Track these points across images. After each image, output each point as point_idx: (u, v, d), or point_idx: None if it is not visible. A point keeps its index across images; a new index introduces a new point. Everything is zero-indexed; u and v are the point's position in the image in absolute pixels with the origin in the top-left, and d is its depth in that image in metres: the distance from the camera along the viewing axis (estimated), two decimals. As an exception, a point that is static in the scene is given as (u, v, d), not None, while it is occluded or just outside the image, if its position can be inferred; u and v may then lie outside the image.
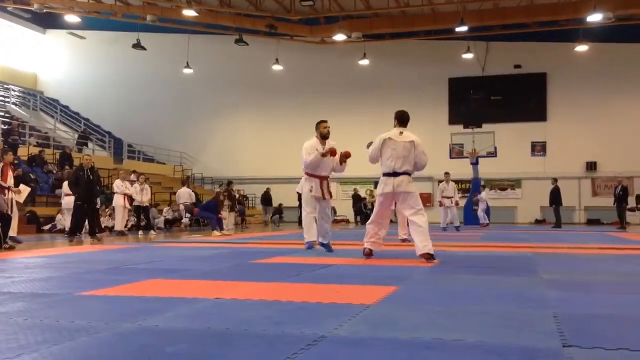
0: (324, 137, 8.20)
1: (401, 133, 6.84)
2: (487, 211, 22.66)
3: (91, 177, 12.07)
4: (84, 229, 12.97)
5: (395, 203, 8.92)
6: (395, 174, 6.73)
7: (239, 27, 26.66)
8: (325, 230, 8.19)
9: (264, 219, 26.37)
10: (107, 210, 16.62)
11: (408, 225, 8.89)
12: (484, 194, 21.87)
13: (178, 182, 26.20)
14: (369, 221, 7.16)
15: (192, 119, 31.48)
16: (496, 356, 2.46)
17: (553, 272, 5.71)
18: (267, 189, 26.09)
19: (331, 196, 8.42)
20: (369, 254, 7.01)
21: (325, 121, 8.36)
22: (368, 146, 7.43)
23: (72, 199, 14.48)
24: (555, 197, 20.26)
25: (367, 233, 7.09)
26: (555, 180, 20.71)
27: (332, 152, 7.98)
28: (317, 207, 8.22)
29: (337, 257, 7.29)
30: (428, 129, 28.09)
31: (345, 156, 8.08)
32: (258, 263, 6.71)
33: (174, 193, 23.24)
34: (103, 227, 16.04)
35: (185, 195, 18.95)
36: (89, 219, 12.49)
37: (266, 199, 26.13)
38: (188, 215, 19.41)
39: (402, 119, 6.97)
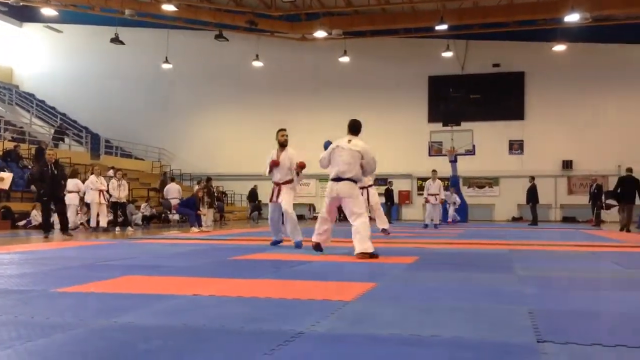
0: (281, 145, 8.50)
1: (350, 141, 7.10)
2: (464, 209, 22.91)
3: (55, 172, 11.84)
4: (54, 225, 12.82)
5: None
6: (339, 179, 6.99)
7: (219, 23, 26.52)
8: (289, 230, 8.36)
9: (248, 216, 26.30)
10: (85, 206, 16.43)
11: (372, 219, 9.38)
12: (454, 195, 22.16)
13: (156, 179, 26.01)
14: (319, 216, 7.47)
15: (171, 115, 31.27)
16: (472, 351, 2.48)
17: (529, 269, 5.77)
18: (255, 186, 25.92)
19: (285, 199, 8.39)
20: (317, 247, 7.30)
21: (284, 129, 8.64)
22: (325, 146, 7.63)
23: (73, 195, 14.44)
24: (532, 195, 20.48)
25: (316, 228, 7.41)
26: (532, 178, 20.95)
27: (275, 163, 8.39)
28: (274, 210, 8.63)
29: (315, 254, 7.29)
30: (407, 127, 28.36)
31: (300, 166, 8.34)
32: (236, 260, 6.69)
33: (152, 189, 23.10)
34: (80, 223, 15.89)
35: (174, 191, 18.79)
36: (58, 214, 12.30)
37: (252, 195, 26.02)
38: (167, 211, 19.29)
39: (352, 128, 7.27)
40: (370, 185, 11.52)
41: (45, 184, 11.68)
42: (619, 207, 16.54)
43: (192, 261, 6.48)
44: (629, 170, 16.35)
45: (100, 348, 2.56)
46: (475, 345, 2.59)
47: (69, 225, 13.45)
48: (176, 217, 19.54)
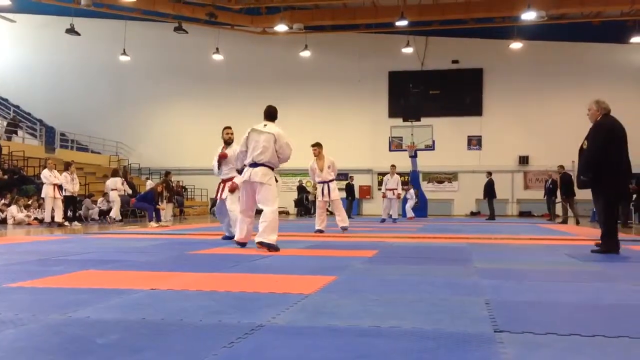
0: (226, 143, 8.61)
1: (265, 125, 7.17)
2: (424, 204, 23.17)
3: None
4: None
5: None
6: (254, 164, 7.02)
7: (178, 15, 26.12)
8: (232, 226, 8.30)
9: (209, 210, 26.11)
10: (38, 201, 16.04)
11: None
12: (412, 191, 22.36)
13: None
14: (238, 217, 7.44)
15: (128, 108, 30.72)
16: (431, 341, 2.51)
17: (486, 261, 5.88)
18: None
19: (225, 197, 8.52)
20: (241, 245, 7.27)
21: (229, 127, 8.72)
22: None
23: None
24: (489, 190, 20.84)
25: (238, 227, 7.36)
26: (489, 173, 21.32)
27: (223, 155, 8.50)
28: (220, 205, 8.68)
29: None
30: (368, 122, 28.52)
31: (221, 156, 8.48)
32: (196, 254, 6.62)
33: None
34: (33, 218, 15.52)
35: (115, 182, 18.36)
36: None
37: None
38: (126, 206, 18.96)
39: (267, 114, 7.31)
40: (331, 180, 11.44)
41: None
42: (563, 201, 17.38)
43: (151, 256, 6.39)
44: (562, 167, 17.96)
45: (55, 343, 2.49)
46: (435, 335, 2.62)
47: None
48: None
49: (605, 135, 6.57)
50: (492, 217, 20.64)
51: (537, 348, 2.43)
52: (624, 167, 6.61)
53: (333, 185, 11.40)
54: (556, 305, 3.47)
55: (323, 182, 11.39)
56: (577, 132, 27.03)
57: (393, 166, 18.05)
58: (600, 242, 6.80)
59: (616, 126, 6.66)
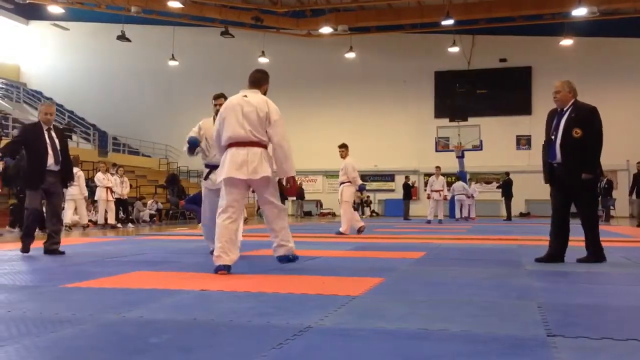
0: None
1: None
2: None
3: None
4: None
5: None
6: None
7: (225, 20, 26.52)
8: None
9: (255, 212, 26.34)
10: (93, 203, 16.50)
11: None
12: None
13: (164, 175, 26.06)
14: None
15: (177, 112, 31.26)
16: (481, 345, 2.47)
17: (537, 263, 5.75)
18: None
19: None
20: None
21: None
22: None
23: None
24: (507, 190, 20.60)
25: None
26: (507, 174, 21.09)
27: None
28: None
29: (323, 249, 7.29)
30: (414, 122, 28.31)
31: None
32: (244, 255, 6.68)
33: (160, 186, 23.16)
34: (87, 221, 15.95)
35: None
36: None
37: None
38: (174, 207, 19.30)
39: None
40: (342, 182, 10.96)
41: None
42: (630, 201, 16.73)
43: (200, 257, 6.49)
44: None
45: (110, 342, 2.56)
46: (485, 339, 2.57)
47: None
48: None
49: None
50: (509, 218, 20.41)
51: (592, 353, 2.36)
52: None
53: (341, 188, 10.99)
54: (612, 308, 3.38)
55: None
56: (632, 130, 26.23)
57: (438, 167, 17.89)
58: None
59: None
